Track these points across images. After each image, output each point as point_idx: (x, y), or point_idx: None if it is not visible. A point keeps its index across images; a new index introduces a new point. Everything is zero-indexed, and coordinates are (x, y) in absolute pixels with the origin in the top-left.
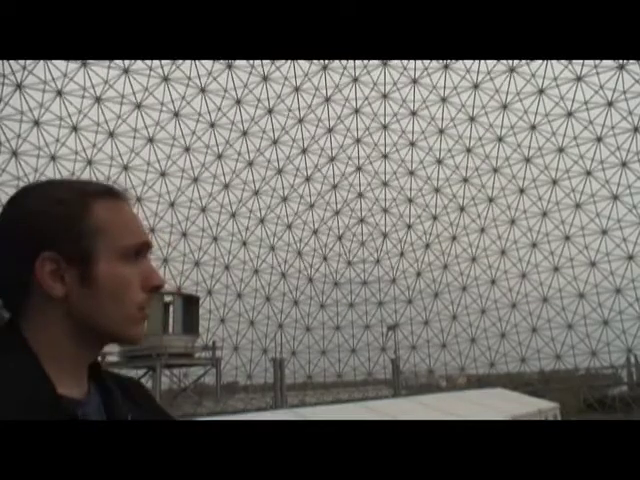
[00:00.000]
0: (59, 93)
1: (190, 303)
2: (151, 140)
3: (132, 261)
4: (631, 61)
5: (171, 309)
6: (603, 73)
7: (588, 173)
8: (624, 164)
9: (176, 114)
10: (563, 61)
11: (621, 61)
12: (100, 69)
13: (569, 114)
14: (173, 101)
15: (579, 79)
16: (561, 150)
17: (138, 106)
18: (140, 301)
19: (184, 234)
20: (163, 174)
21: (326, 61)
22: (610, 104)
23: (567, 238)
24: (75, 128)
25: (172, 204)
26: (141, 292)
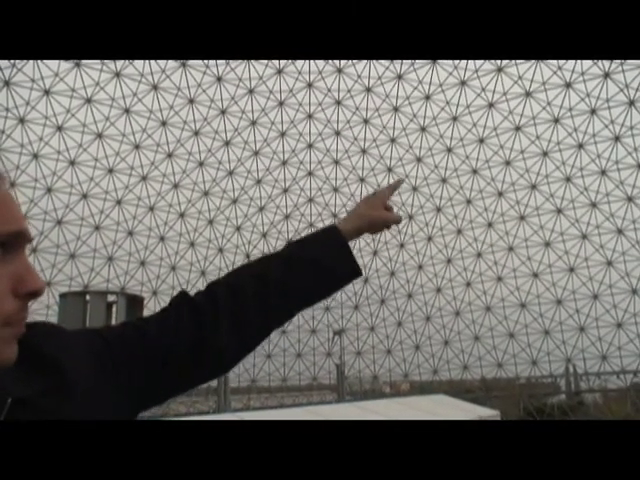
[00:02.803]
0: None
1: (134, 304)
2: (100, 136)
3: (4, 258)
4: (617, 70)
5: (114, 309)
6: (590, 80)
7: (568, 179)
8: (603, 172)
9: (127, 110)
10: (552, 66)
11: (607, 69)
12: (51, 63)
13: (556, 120)
14: (124, 97)
15: (568, 85)
16: (545, 154)
17: (89, 100)
18: (10, 312)
19: (130, 233)
20: (111, 171)
21: (281, 65)
22: (593, 112)
23: (511, 249)
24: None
25: (119, 202)
26: (12, 299)
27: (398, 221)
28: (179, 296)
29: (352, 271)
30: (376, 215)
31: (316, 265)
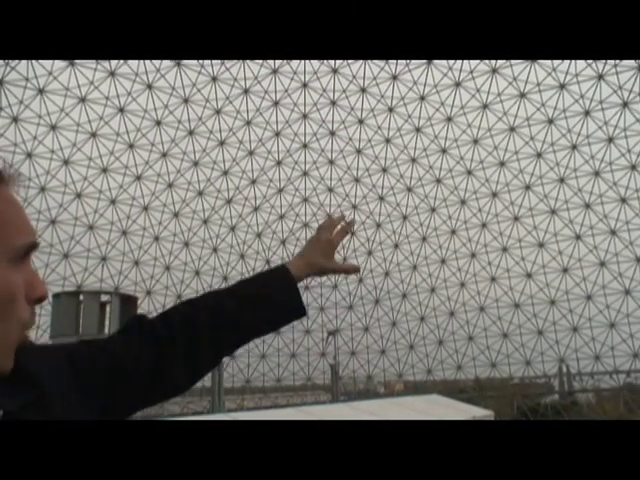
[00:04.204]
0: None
1: (128, 303)
2: (94, 135)
3: (18, 265)
4: (610, 71)
5: (108, 309)
6: (584, 82)
7: (561, 180)
8: (597, 173)
9: (121, 110)
10: (546, 67)
11: (601, 71)
12: (45, 62)
13: (550, 121)
14: (119, 96)
15: (562, 87)
16: (539, 155)
17: (83, 99)
18: (27, 318)
19: (124, 232)
20: (105, 170)
21: (276, 65)
22: (587, 113)
23: (505, 249)
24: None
25: (113, 201)
26: (25, 304)
27: (356, 271)
28: (138, 322)
29: (299, 311)
30: (330, 268)
31: (266, 304)
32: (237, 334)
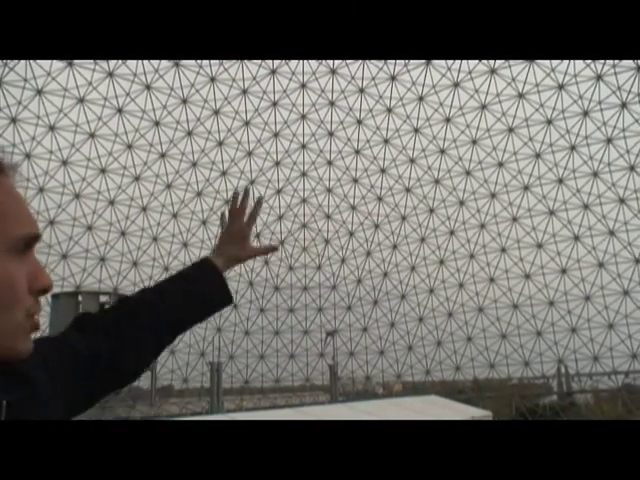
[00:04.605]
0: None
1: None
2: (92, 135)
3: (20, 257)
4: (609, 72)
5: None
6: (582, 83)
7: (560, 181)
8: (595, 174)
9: (119, 110)
10: (545, 68)
11: (599, 71)
12: (43, 62)
13: (549, 122)
14: (117, 97)
15: (561, 87)
16: (538, 156)
17: (81, 100)
18: (29, 306)
19: (123, 233)
20: (103, 171)
21: (275, 65)
22: (586, 114)
23: (503, 250)
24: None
25: (112, 202)
26: (29, 295)
27: (272, 251)
28: (90, 320)
29: (227, 299)
30: (245, 256)
31: (198, 296)
32: (174, 327)
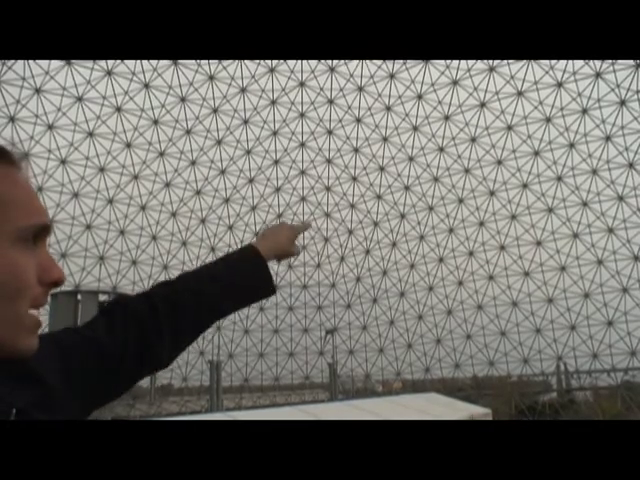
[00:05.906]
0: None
1: None
2: (91, 134)
3: (28, 248)
4: (608, 69)
5: None
6: (581, 80)
7: (559, 178)
8: (594, 171)
9: (118, 109)
10: (544, 66)
11: (598, 69)
12: (42, 61)
13: (547, 119)
14: (116, 96)
15: (560, 85)
16: (537, 153)
17: (80, 99)
18: (37, 299)
19: (122, 232)
20: (102, 169)
21: (273, 64)
22: (584, 111)
23: (502, 247)
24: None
25: (110, 201)
26: (38, 287)
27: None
28: (120, 305)
29: (270, 289)
30: (291, 253)
31: (245, 292)
32: (215, 315)
